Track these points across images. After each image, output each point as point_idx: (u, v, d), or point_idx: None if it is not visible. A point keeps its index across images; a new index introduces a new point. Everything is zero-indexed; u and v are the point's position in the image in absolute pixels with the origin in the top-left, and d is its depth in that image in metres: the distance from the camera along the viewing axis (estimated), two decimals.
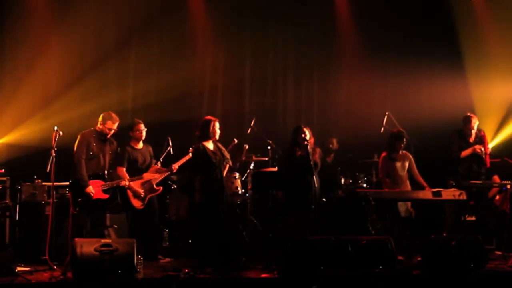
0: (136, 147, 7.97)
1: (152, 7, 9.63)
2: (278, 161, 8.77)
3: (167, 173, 8.03)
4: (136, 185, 7.81)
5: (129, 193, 7.79)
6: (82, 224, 7.18)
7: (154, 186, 7.93)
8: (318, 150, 7.96)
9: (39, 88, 8.89)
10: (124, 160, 7.78)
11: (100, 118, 7.36)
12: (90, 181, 7.17)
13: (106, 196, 7.27)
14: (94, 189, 7.18)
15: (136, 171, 7.84)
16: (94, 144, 7.27)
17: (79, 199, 7.06)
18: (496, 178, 8.61)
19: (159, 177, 7.94)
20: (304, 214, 7.48)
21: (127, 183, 7.49)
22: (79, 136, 7.31)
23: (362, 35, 10.47)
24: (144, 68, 9.87)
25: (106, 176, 7.32)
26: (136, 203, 7.80)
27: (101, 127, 7.33)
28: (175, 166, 7.94)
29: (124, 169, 7.76)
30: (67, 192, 7.63)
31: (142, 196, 7.80)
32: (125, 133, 8.05)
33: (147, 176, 7.76)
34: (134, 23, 9.66)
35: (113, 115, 7.37)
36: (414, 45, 10.36)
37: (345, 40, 10.60)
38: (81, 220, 7.16)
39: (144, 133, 7.97)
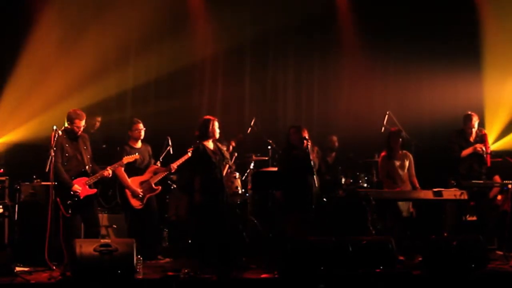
0: (135, 146, 7.94)
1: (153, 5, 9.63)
2: (277, 161, 8.76)
3: (165, 173, 8.01)
4: (135, 184, 7.78)
5: (128, 192, 7.77)
6: (77, 226, 7.12)
7: (153, 185, 7.91)
8: (316, 149, 7.93)
9: (38, 88, 8.87)
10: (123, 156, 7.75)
11: (67, 118, 7.16)
12: (74, 181, 7.06)
13: (93, 191, 7.18)
14: (80, 186, 7.07)
15: (134, 170, 7.82)
16: (67, 145, 7.10)
17: (69, 202, 6.99)
18: (497, 178, 8.58)
19: (131, 158, 7.81)
20: (303, 214, 7.45)
21: (110, 172, 7.32)
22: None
23: (363, 34, 10.45)
24: (144, 66, 9.84)
25: (88, 171, 7.21)
26: (135, 203, 7.78)
27: (69, 126, 7.13)
28: (174, 166, 7.92)
29: (123, 168, 7.73)
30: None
31: (140, 195, 7.78)
32: (124, 133, 8.04)
33: (126, 160, 7.60)
34: (135, 27, 9.64)
35: (79, 112, 7.18)
36: (414, 44, 10.33)
37: (346, 39, 10.59)
38: (76, 221, 7.09)
39: (142, 133, 7.94)
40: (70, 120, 7.13)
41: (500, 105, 9.76)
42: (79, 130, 7.17)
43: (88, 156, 7.26)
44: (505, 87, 9.84)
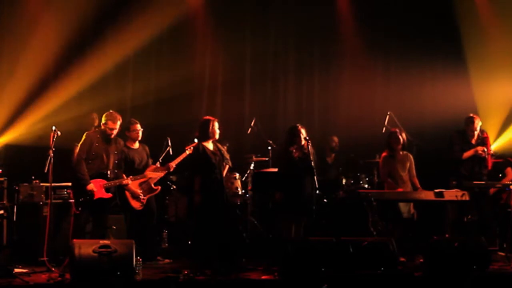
0: (132, 147, 7.92)
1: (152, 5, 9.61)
2: (274, 161, 8.73)
3: (164, 172, 7.98)
4: (134, 185, 7.76)
5: (127, 194, 7.74)
6: (83, 224, 7.16)
7: (152, 185, 7.88)
8: (311, 150, 7.86)
9: (37, 88, 8.84)
10: (121, 161, 7.73)
11: (103, 118, 7.36)
12: (92, 180, 7.16)
13: (108, 195, 7.25)
14: (96, 187, 7.16)
15: (133, 171, 7.79)
16: (97, 144, 7.25)
17: (81, 199, 7.01)
18: (510, 171, 8.54)
19: (157, 176, 7.89)
20: (298, 215, 7.39)
21: (129, 181, 7.44)
22: (83, 136, 7.32)
23: (364, 34, 10.42)
24: (143, 67, 9.81)
25: (109, 175, 7.28)
26: (135, 204, 7.75)
27: (103, 127, 7.34)
28: (172, 165, 7.90)
29: (122, 169, 7.70)
30: (66, 192, 7.61)
31: (140, 196, 7.75)
32: (122, 133, 8.02)
33: (149, 174, 7.68)
34: (134, 22, 9.62)
35: (114, 114, 7.34)
36: (416, 45, 10.28)
37: (347, 39, 10.55)
38: (82, 220, 7.15)
39: (140, 133, 7.93)
40: (104, 121, 7.32)
41: (503, 105, 9.72)
42: (112, 133, 7.32)
43: (116, 161, 7.38)
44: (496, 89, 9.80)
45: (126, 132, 7.93)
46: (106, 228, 7.47)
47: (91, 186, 7.11)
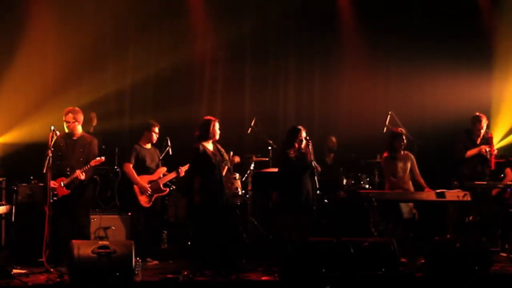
0: (145, 147, 7.99)
1: (151, 3, 9.60)
2: (274, 161, 8.69)
3: (174, 175, 7.97)
4: (143, 181, 7.81)
5: (136, 189, 7.77)
6: (60, 227, 7.14)
7: (161, 186, 7.91)
8: (311, 150, 7.81)
9: (36, 88, 8.83)
10: (131, 157, 7.82)
11: None
12: (57, 180, 7.20)
13: (67, 191, 7.25)
14: (57, 186, 7.20)
15: (143, 170, 7.86)
16: (62, 144, 7.30)
17: (51, 200, 7.00)
18: (509, 172, 8.51)
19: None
20: (297, 216, 7.35)
21: (81, 175, 7.29)
22: None
23: (365, 33, 10.38)
24: (142, 68, 9.78)
25: (68, 172, 7.27)
26: (143, 200, 7.78)
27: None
28: (182, 169, 7.90)
29: (131, 165, 7.79)
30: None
31: (149, 192, 7.73)
32: (137, 132, 8.07)
33: (94, 162, 7.41)
34: (133, 20, 9.62)
35: (66, 109, 7.38)
36: (417, 44, 10.24)
37: (348, 38, 10.51)
38: (59, 222, 7.12)
39: (156, 137, 8.01)
40: None
41: (505, 104, 9.66)
42: (68, 126, 7.32)
43: (81, 159, 7.34)
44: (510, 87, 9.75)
45: (145, 131, 7.96)
46: (82, 227, 7.38)
47: (51, 182, 7.07)
